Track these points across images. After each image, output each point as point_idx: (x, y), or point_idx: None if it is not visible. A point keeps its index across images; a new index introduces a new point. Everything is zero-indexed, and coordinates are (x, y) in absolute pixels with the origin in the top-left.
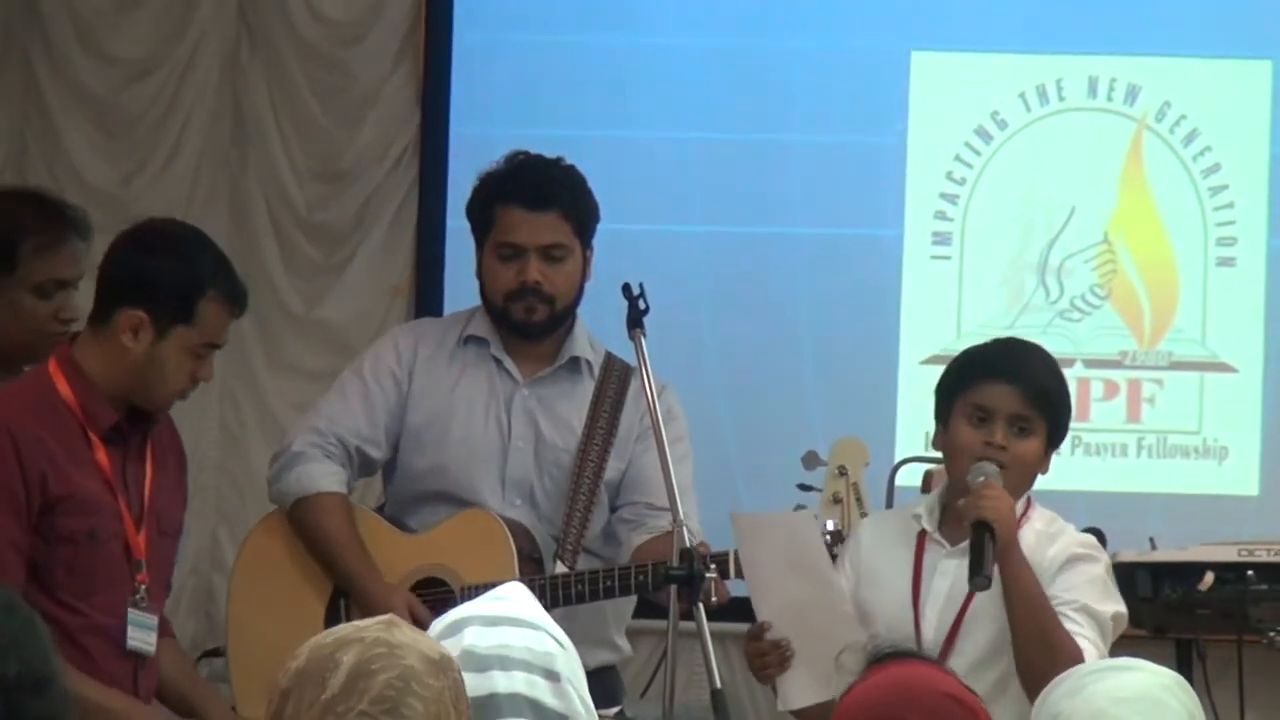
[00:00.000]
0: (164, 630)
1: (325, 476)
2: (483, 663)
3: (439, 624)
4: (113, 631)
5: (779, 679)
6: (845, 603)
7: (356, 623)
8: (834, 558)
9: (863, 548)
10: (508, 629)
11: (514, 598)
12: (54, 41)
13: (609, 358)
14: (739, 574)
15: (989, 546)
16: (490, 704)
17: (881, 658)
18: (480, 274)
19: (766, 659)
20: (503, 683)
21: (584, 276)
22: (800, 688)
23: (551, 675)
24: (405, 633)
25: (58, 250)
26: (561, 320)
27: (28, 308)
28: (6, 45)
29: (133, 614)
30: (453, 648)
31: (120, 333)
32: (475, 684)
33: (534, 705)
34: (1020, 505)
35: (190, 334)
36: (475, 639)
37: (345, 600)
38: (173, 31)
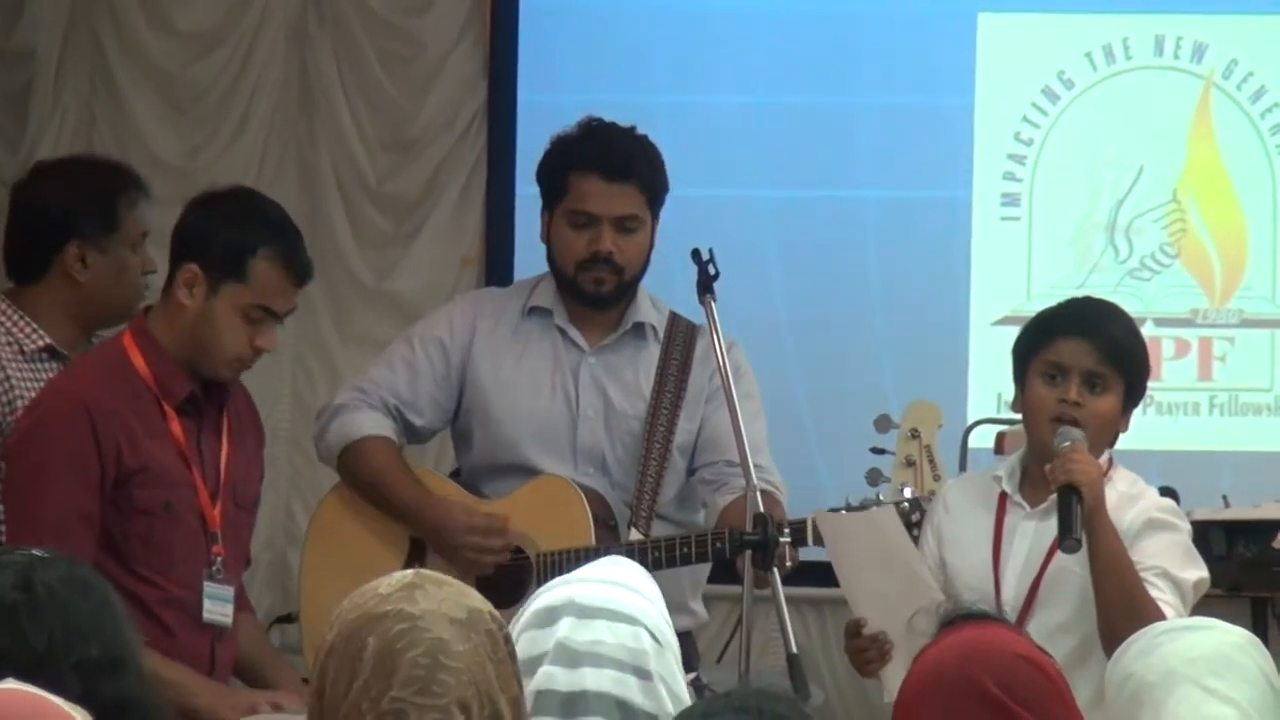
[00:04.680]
0: (241, 604)
1: (368, 422)
2: (576, 658)
3: (532, 607)
4: (190, 604)
5: (882, 672)
6: (934, 591)
7: (382, 585)
8: (914, 524)
9: (946, 511)
10: (604, 624)
11: (619, 581)
12: (121, 16)
13: (674, 318)
14: (816, 541)
15: (1077, 510)
16: (580, 700)
17: (954, 620)
18: (548, 239)
19: (867, 654)
20: (593, 680)
21: (651, 247)
22: (903, 679)
23: (643, 674)
24: (429, 595)
25: (141, 204)
26: (627, 290)
27: (130, 264)
28: (74, 20)
29: (208, 586)
30: (546, 638)
31: (178, 288)
32: (567, 679)
33: (622, 705)
34: (1103, 465)
35: (242, 292)
36: (570, 632)
37: (419, 565)
38: (238, 3)
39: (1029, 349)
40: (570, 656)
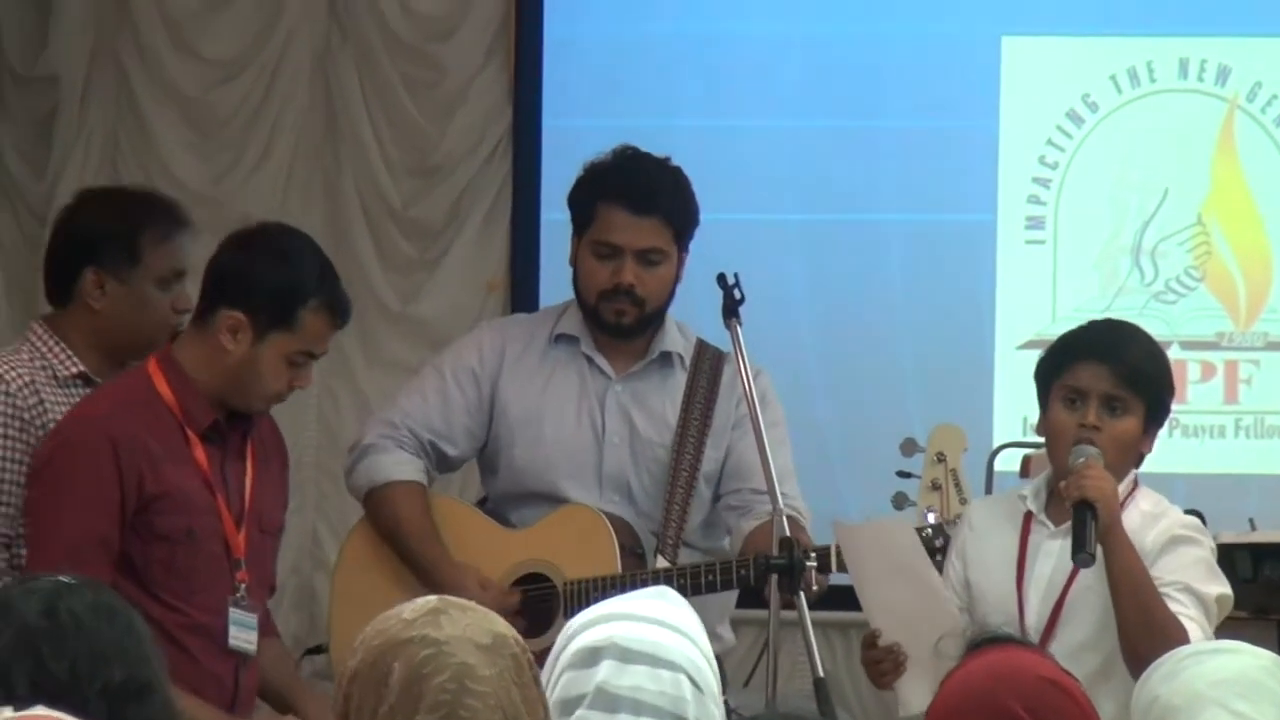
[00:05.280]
0: (267, 629)
1: (396, 466)
2: (614, 703)
3: (573, 646)
4: (214, 630)
5: (897, 684)
6: (949, 603)
7: (406, 611)
8: (939, 549)
9: (970, 529)
10: (645, 669)
11: (662, 619)
12: (146, 42)
13: (700, 345)
14: (840, 568)
15: (1091, 525)
16: None
17: (980, 643)
18: (575, 265)
19: (882, 666)
20: None
21: (676, 279)
22: (918, 691)
23: None
24: (454, 620)
25: (173, 241)
26: (650, 322)
27: (153, 300)
28: (99, 47)
29: (234, 613)
30: (586, 681)
31: (219, 332)
32: None
33: None
34: (1126, 486)
35: (289, 340)
36: (609, 675)
37: None
38: (263, 29)
39: (1049, 373)
40: (609, 701)
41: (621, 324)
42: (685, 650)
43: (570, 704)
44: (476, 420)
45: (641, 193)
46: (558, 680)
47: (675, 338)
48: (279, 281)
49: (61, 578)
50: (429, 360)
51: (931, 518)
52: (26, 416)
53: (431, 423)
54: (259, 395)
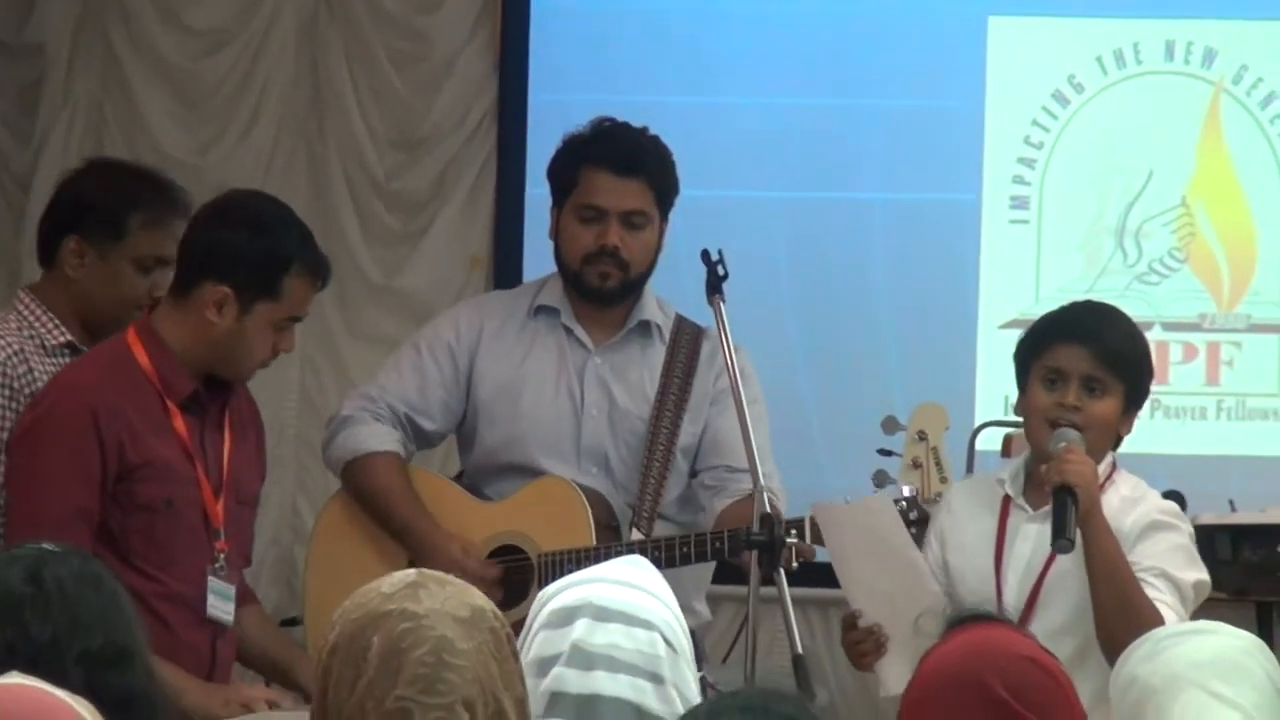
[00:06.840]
0: (247, 597)
1: (373, 437)
2: (590, 660)
3: (549, 607)
4: (191, 599)
5: (877, 665)
6: (931, 581)
7: (384, 584)
8: (915, 523)
9: (949, 513)
10: (619, 627)
11: (635, 583)
12: (132, 12)
13: (679, 321)
14: (815, 540)
15: (1071, 510)
16: (593, 704)
17: (959, 621)
18: (556, 235)
19: (862, 647)
20: (608, 686)
21: (658, 247)
22: (899, 672)
23: (657, 679)
24: (433, 594)
25: (163, 227)
26: (633, 288)
27: (128, 279)
28: (85, 15)
29: (212, 582)
30: (562, 639)
31: (204, 307)
32: (579, 682)
33: (638, 710)
34: (1105, 469)
35: (275, 309)
36: (584, 633)
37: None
38: (249, 1)
39: (1029, 354)
40: (584, 659)
41: (605, 287)
42: (659, 611)
43: (546, 662)
44: (453, 395)
45: (625, 155)
46: (533, 640)
47: (654, 309)
48: (261, 252)
49: (46, 545)
50: (408, 336)
51: (906, 491)
52: (16, 385)
53: (408, 397)
54: (248, 365)
